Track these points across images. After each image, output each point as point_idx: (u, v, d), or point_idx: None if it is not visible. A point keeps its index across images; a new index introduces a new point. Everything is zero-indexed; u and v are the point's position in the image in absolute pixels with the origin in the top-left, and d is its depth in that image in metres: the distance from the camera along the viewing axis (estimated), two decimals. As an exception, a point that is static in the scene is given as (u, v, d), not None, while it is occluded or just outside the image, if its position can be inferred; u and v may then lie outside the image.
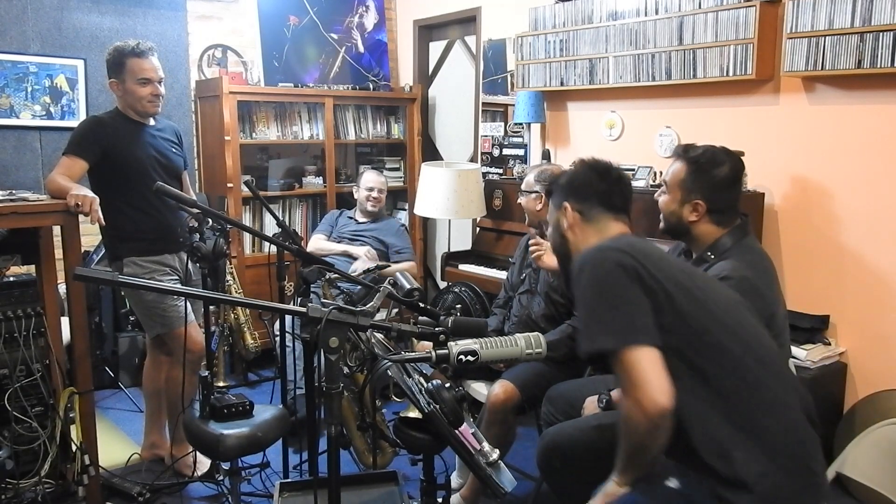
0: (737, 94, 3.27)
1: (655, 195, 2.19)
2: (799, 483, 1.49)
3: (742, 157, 2.22)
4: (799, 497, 1.48)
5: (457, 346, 1.38)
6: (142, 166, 2.87)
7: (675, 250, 2.29)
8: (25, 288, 2.34)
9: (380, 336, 1.73)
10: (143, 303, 2.92)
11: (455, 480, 2.84)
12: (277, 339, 2.99)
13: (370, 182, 4.15)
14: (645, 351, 1.44)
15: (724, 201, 2.07)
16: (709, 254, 2.07)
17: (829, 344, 2.95)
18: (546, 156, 4.06)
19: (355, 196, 4.23)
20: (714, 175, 2.06)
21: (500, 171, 4.42)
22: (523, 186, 3.00)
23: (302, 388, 3.19)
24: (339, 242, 4.08)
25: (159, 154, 2.95)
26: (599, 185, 1.81)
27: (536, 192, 2.92)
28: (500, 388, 2.60)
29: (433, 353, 1.38)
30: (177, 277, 3.01)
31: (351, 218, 4.20)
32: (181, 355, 2.88)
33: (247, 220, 4.48)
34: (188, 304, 2.93)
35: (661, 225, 2.19)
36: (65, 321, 2.51)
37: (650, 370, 1.43)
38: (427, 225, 5.15)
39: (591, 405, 2.25)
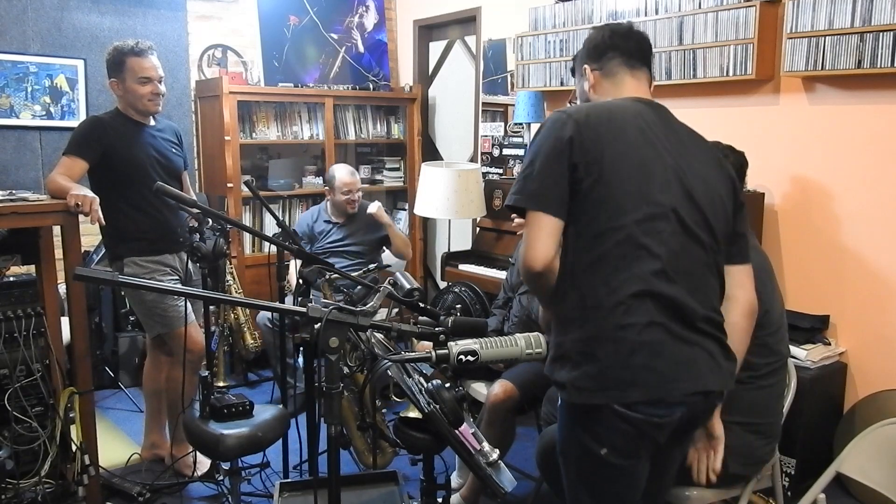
0: (737, 94, 3.27)
1: None
2: (611, 381, 1.54)
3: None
4: (603, 390, 1.54)
5: (457, 346, 1.38)
6: (141, 166, 2.87)
7: None
8: (25, 288, 2.34)
9: (380, 336, 1.73)
10: (144, 303, 2.93)
11: (455, 480, 2.84)
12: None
13: (347, 184, 3.87)
14: (545, 218, 1.58)
15: None
16: None
17: (829, 344, 2.95)
18: (546, 156, 4.05)
19: (328, 196, 3.97)
20: None
21: (500, 171, 4.42)
22: None
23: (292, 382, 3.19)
24: (326, 257, 3.90)
25: (159, 154, 2.95)
26: (612, 39, 1.79)
27: None
28: (500, 388, 2.60)
29: (433, 353, 1.38)
30: (177, 277, 3.01)
31: (328, 221, 3.96)
32: (181, 355, 2.88)
33: (247, 220, 4.48)
34: (188, 303, 2.93)
35: None
36: (65, 321, 2.51)
37: (540, 235, 1.58)
38: (427, 225, 5.15)
39: None
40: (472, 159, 4.72)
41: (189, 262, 2.96)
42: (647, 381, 1.54)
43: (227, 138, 4.23)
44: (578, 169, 1.58)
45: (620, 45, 1.78)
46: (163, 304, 2.91)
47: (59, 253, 2.40)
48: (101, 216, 2.44)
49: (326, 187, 3.98)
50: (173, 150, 3.04)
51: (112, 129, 2.85)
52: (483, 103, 4.59)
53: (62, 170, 2.68)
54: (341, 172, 3.92)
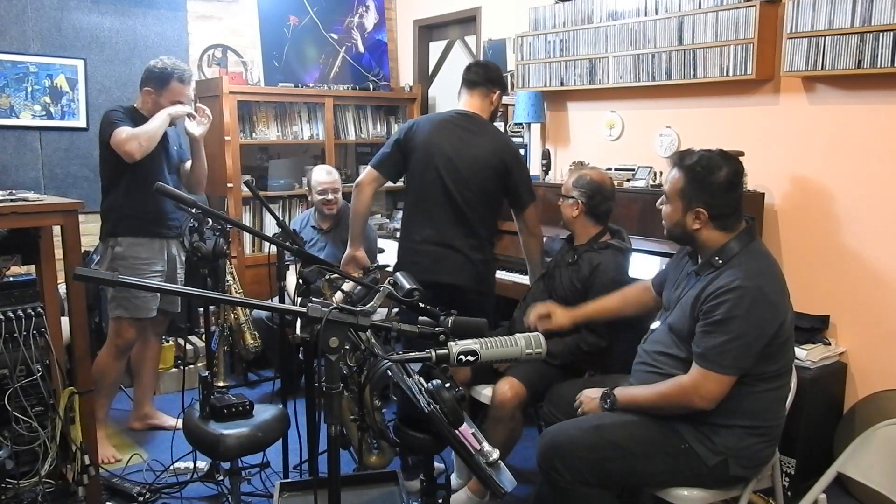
0: (737, 94, 3.27)
1: (657, 204, 2.18)
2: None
3: (742, 158, 2.20)
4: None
5: (457, 346, 1.38)
6: (150, 154, 3.04)
7: (681, 252, 2.29)
8: (25, 288, 2.33)
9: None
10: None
11: (455, 481, 2.84)
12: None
13: (321, 184, 3.80)
14: (371, 169, 3.00)
15: (725, 206, 2.03)
16: (717, 259, 2.05)
17: (829, 344, 2.95)
18: (546, 156, 4.07)
19: (309, 199, 3.95)
20: (712, 181, 2.01)
21: (500, 171, 4.42)
22: (563, 191, 2.82)
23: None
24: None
25: (163, 147, 3.16)
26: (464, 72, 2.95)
27: (573, 197, 2.74)
28: (507, 386, 2.59)
29: (433, 353, 1.38)
30: (161, 268, 3.20)
31: (314, 227, 3.91)
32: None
33: (247, 220, 4.48)
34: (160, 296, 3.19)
35: (666, 233, 2.18)
36: (65, 321, 2.51)
37: (365, 175, 3.03)
38: (427, 225, 5.14)
39: (588, 400, 2.25)
40: (472, 159, 4.72)
41: (178, 250, 3.25)
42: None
43: (227, 138, 4.23)
44: (402, 149, 2.95)
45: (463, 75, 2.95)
46: (134, 291, 3.10)
47: (59, 253, 2.40)
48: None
49: (306, 188, 3.96)
50: (174, 147, 3.27)
51: (135, 120, 3.07)
52: (483, 103, 4.58)
53: (128, 131, 2.95)
54: (317, 173, 3.87)
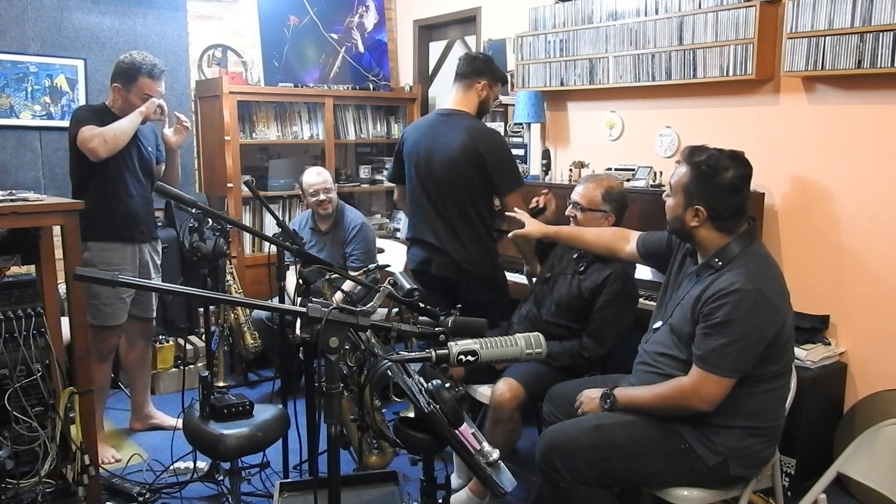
0: (737, 94, 3.27)
1: (663, 195, 2.18)
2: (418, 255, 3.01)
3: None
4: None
5: (457, 346, 1.38)
6: (120, 156, 2.99)
7: (681, 247, 2.28)
8: (25, 288, 2.33)
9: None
10: (90, 288, 2.96)
11: (455, 481, 2.84)
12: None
13: (311, 185, 3.76)
14: (394, 185, 3.20)
15: (724, 208, 2.02)
16: (716, 260, 2.04)
17: (829, 344, 2.95)
18: (546, 156, 4.07)
19: (304, 202, 3.93)
20: (716, 182, 2.01)
21: (500, 171, 4.41)
22: (583, 202, 2.72)
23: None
24: None
25: (136, 149, 3.10)
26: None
27: (604, 211, 2.70)
28: (506, 387, 2.60)
29: (433, 353, 1.38)
30: (131, 276, 3.11)
31: (313, 229, 3.91)
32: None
33: (247, 220, 4.48)
34: (133, 303, 3.16)
35: (668, 227, 2.18)
36: (65, 321, 2.51)
37: (395, 192, 3.21)
38: (427, 225, 5.14)
39: (588, 400, 2.25)
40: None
41: (150, 255, 3.20)
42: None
43: (227, 138, 4.23)
44: (401, 154, 3.05)
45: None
46: (103, 299, 3.03)
47: (59, 253, 2.40)
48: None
49: (299, 190, 3.95)
50: (148, 149, 3.18)
51: (102, 119, 2.98)
52: (483, 103, 4.58)
53: (93, 130, 2.86)
54: (307, 176, 3.83)
